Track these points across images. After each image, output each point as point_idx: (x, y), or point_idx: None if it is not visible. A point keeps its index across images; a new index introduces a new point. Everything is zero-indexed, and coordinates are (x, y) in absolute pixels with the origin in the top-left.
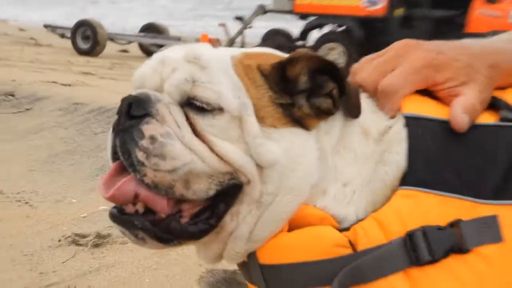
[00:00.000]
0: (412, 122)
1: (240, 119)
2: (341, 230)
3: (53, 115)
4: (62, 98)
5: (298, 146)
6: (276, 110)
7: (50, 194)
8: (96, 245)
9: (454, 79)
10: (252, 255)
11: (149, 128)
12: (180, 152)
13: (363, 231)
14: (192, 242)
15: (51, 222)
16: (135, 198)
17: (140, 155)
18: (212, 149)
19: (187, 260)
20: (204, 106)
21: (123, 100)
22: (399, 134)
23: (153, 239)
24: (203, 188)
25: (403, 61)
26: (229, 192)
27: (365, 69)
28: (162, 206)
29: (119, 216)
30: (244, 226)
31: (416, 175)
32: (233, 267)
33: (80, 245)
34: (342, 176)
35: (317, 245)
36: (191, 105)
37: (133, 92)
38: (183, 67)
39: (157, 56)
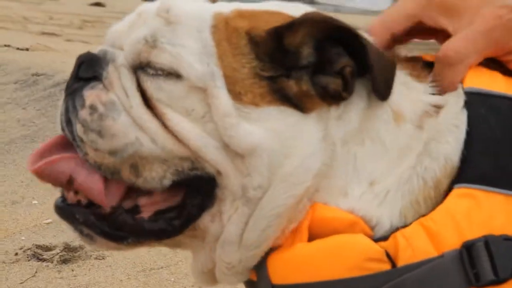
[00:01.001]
0: (474, 100)
1: (205, 91)
2: (376, 240)
3: (7, 90)
4: (18, 67)
5: (289, 127)
6: (259, 84)
7: (3, 193)
8: (64, 261)
9: None
10: (262, 273)
11: (91, 94)
12: (122, 128)
13: (406, 240)
14: (157, 243)
15: (5, 230)
16: (69, 183)
17: (79, 128)
18: (165, 126)
19: (184, 281)
20: (159, 72)
21: (77, 58)
22: (454, 116)
23: (100, 236)
24: (155, 176)
25: (472, 13)
26: (200, 187)
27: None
28: (98, 195)
29: (63, 206)
30: (231, 227)
31: (475, 169)
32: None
33: (44, 260)
34: (367, 172)
35: (346, 258)
36: (144, 70)
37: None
38: (150, 22)
39: (138, 8)
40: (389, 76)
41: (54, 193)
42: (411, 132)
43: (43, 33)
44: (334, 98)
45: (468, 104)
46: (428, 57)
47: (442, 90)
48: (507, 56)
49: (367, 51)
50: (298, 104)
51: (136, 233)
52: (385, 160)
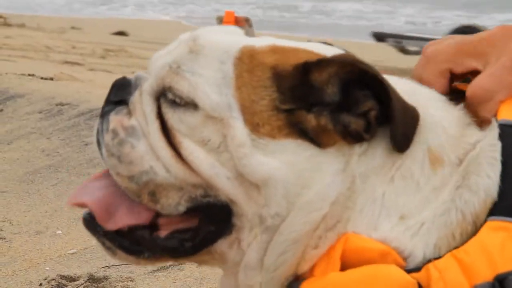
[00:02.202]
0: (508, 132)
1: (221, 121)
2: (408, 271)
3: (31, 119)
4: (42, 97)
5: (306, 159)
6: (277, 116)
7: (27, 223)
8: None
9: None
10: None
11: (115, 118)
12: (139, 156)
13: (438, 272)
14: (174, 260)
15: (29, 260)
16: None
17: (104, 152)
18: (179, 154)
19: None
20: (177, 99)
21: (113, 82)
22: (491, 149)
23: (119, 249)
24: (171, 203)
25: (500, 49)
26: (215, 214)
27: (441, 43)
28: (100, 219)
29: (89, 219)
30: (252, 253)
31: (509, 201)
32: None
33: None
34: (398, 207)
35: None
36: (166, 95)
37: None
38: (178, 49)
39: (180, 36)
40: (410, 129)
41: (78, 223)
42: (448, 173)
43: (66, 62)
44: (355, 137)
45: (501, 137)
46: (462, 86)
47: (476, 126)
48: None
49: (391, 99)
50: (315, 138)
51: (152, 249)
52: (418, 197)
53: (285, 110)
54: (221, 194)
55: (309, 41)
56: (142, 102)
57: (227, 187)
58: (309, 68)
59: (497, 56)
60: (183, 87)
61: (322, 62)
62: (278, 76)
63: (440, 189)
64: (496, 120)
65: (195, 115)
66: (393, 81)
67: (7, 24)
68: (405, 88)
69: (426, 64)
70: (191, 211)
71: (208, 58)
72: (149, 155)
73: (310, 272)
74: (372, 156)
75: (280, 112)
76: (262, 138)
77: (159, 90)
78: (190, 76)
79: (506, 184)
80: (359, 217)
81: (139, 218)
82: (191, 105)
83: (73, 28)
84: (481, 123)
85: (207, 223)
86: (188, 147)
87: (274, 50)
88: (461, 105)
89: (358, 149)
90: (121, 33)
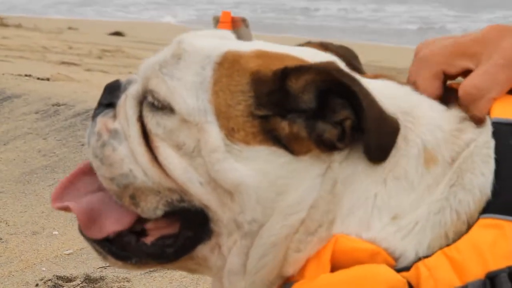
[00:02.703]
0: (501, 129)
1: (196, 126)
2: (398, 270)
3: (28, 120)
4: (39, 97)
5: (279, 167)
6: (251, 123)
7: (24, 224)
8: None
9: None
10: None
11: (101, 121)
12: (119, 159)
13: (428, 271)
14: (160, 266)
15: (26, 260)
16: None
17: (90, 153)
18: (157, 158)
19: None
20: (155, 102)
21: (106, 84)
22: (485, 148)
23: (109, 255)
24: (150, 207)
25: (492, 48)
26: (191, 219)
27: (434, 44)
28: (82, 225)
29: None
30: (233, 259)
31: (503, 199)
32: None
33: None
34: (390, 208)
35: None
36: (146, 99)
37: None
38: (164, 52)
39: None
40: (386, 141)
41: (74, 224)
42: (442, 171)
43: (63, 63)
44: (328, 146)
45: (495, 134)
46: (455, 85)
47: (470, 124)
48: None
49: (363, 110)
50: (288, 146)
51: (138, 255)
52: (412, 196)
53: (261, 116)
54: (195, 200)
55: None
56: (126, 105)
57: (200, 192)
58: (287, 74)
59: (489, 55)
60: (161, 90)
61: (300, 69)
62: (257, 82)
63: (433, 186)
64: (490, 118)
65: (172, 119)
66: (385, 85)
67: (4, 25)
68: (398, 93)
69: (419, 67)
70: (171, 216)
71: (188, 63)
72: (129, 158)
73: (300, 274)
74: (357, 161)
75: (256, 118)
76: (236, 144)
77: (143, 93)
78: (169, 80)
79: (499, 182)
80: (348, 218)
81: (122, 223)
82: (168, 109)
83: (70, 28)
84: (474, 121)
85: (186, 229)
86: (164, 151)
87: (259, 55)
88: (453, 104)
89: (338, 156)
90: (117, 34)
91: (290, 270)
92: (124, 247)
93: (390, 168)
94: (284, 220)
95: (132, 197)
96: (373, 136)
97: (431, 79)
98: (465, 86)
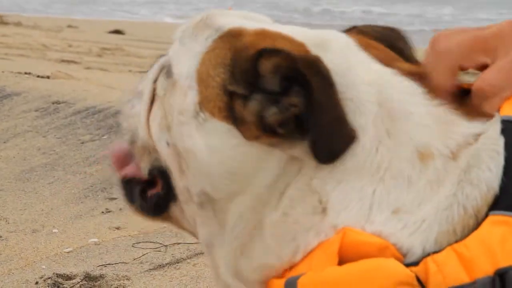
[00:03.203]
0: (510, 127)
1: (181, 89)
2: (407, 265)
3: (27, 118)
4: (39, 95)
5: (232, 148)
6: (221, 97)
7: (24, 221)
8: None
9: None
10: None
11: (140, 83)
12: (132, 116)
13: (436, 266)
14: (147, 218)
15: (25, 258)
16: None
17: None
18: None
19: None
20: (165, 65)
21: None
22: (494, 142)
23: (123, 191)
24: (143, 165)
25: (507, 46)
26: (166, 180)
27: (451, 39)
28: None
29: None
30: (200, 230)
31: (510, 196)
32: None
33: None
34: (389, 202)
35: (376, 282)
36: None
37: None
38: (193, 19)
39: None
40: (335, 149)
41: (74, 222)
42: (442, 166)
43: (63, 61)
44: (268, 130)
45: (504, 131)
46: (466, 86)
47: (479, 120)
48: None
49: (315, 107)
50: (239, 127)
51: (136, 202)
52: (412, 191)
53: (231, 92)
54: (162, 160)
55: None
56: (153, 68)
57: (165, 152)
58: (261, 54)
59: (507, 51)
60: (171, 53)
61: (272, 52)
62: (238, 58)
63: (438, 182)
64: (499, 115)
65: (168, 81)
66: (379, 72)
67: (3, 23)
68: (379, 81)
69: (437, 61)
70: (157, 175)
71: (201, 33)
72: (139, 117)
73: (307, 266)
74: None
75: (226, 93)
76: (204, 113)
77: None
78: (179, 44)
79: (509, 178)
80: (345, 211)
81: (131, 171)
82: (169, 71)
83: (69, 26)
84: (484, 117)
85: (162, 189)
86: (154, 111)
87: (257, 33)
88: (440, 99)
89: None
90: (117, 32)
91: (285, 258)
92: (131, 192)
93: (385, 168)
94: (235, 199)
95: (138, 153)
96: (321, 137)
97: (448, 73)
98: (479, 82)
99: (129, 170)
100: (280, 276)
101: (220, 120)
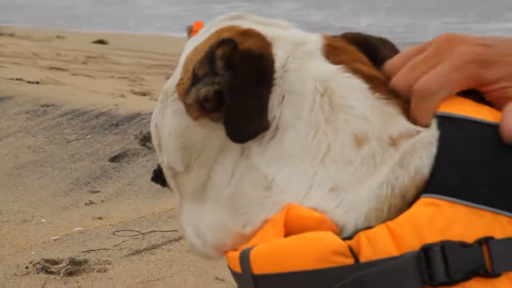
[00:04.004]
0: (446, 122)
1: (175, 73)
2: (343, 239)
3: (19, 119)
4: (29, 99)
5: (184, 128)
6: (190, 79)
7: (15, 213)
8: (70, 273)
9: (505, 78)
10: (245, 265)
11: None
12: (155, 111)
13: (368, 240)
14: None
15: (16, 245)
16: None
17: None
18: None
19: None
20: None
21: None
22: (428, 137)
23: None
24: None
25: (445, 57)
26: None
27: (402, 70)
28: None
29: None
30: (174, 196)
31: (441, 181)
32: None
33: (51, 273)
34: (328, 181)
35: (314, 252)
36: None
37: None
38: (214, 21)
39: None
40: (245, 132)
41: (61, 213)
42: (377, 148)
43: (51, 68)
44: (202, 107)
45: (440, 126)
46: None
47: (417, 119)
48: (483, 87)
49: (229, 89)
50: (185, 108)
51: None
52: (349, 172)
53: (195, 75)
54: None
55: None
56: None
57: (153, 131)
58: (220, 43)
59: (448, 57)
60: (187, 44)
61: (226, 41)
62: (212, 47)
63: (375, 165)
64: (437, 111)
65: (173, 71)
66: (323, 68)
67: None
68: (326, 78)
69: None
70: None
71: (209, 28)
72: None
73: (259, 238)
74: (279, 147)
75: (193, 76)
76: (176, 93)
77: None
78: (188, 39)
79: (439, 167)
80: (289, 189)
81: None
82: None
83: (58, 37)
84: (420, 115)
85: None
86: (159, 98)
87: (241, 30)
88: (384, 95)
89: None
90: (101, 42)
91: (237, 224)
92: (156, 171)
93: (325, 151)
94: (191, 172)
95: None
96: (233, 117)
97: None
98: (417, 85)
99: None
100: (235, 249)
101: (180, 102)
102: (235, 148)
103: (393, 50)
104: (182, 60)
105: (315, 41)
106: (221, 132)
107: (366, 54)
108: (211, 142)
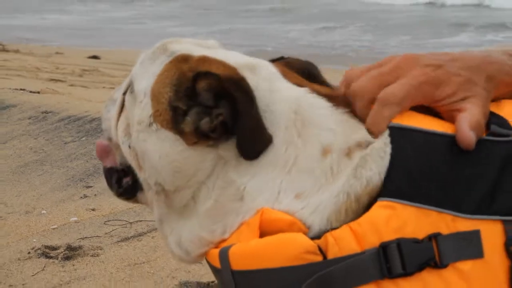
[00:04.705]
0: (397, 133)
1: (140, 103)
2: (311, 239)
3: (22, 124)
4: (31, 106)
5: (177, 152)
6: (168, 111)
7: (19, 205)
8: (67, 258)
9: (454, 95)
10: (224, 262)
11: (114, 91)
12: (107, 118)
13: (334, 239)
14: (125, 200)
15: (20, 234)
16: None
17: None
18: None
19: (161, 273)
20: (131, 80)
21: None
22: (380, 148)
23: (106, 179)
24: (117, 159)
25: (403, 74)
26: (132, 173)
27: (362, 78)
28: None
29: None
30: (156, 211)
31: (394, 186)
32: (207, 279)
33: (50, 257)
34: (293, 189)
35: (287, 251)
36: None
37: None
38: (155, 47)
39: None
40: (257, 148)
41: (59, 205)
42: (337, 159)
43: (51, 80)
44: (204, 136)
45: (392, 137)
46: None
47: (374, 125)
48: (434, 104)
49: (239, 116)
50: (183, 137)
51: (114, 187)
52: (312, 180)
53: (175, 107)
54: (126, 159)
55: None
56: (124, 81)
57: (127, 153)
58: (198, 76)
59: (405, 76)
60: (134, 72)
61: (207, 74)
62: (181, 79)
63: (334, 175)
64: (390, 123)
65: (131, 96)
66: (292, 90)
67: (5, 50)
68: (296, 98)
69: (354, 99)
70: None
71: (158, 56)
72: (110, 120)
73: (236, 238)
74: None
75: (172, 108)
76: (156, 124)
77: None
78: (140, 66)
79: (392, 174)
80: (259, 197)
81: (110, 162)
82: (132, 87)
83: (57, 53)
84: (380, 123)
85: (131, 179)
86: (121, 119)
87: (199, 59)
88: (344, 109)
89: (227, 152)
90: (94, 57)
91: (217, 233)
92: (111, 178)
93: (292, 162)
94: (181, 190)
95: (113, 148)
96: (245, 140)
97: (366, 107)
98: (384, 93)
99: (109, 161)
100: (215, 247)
101: (167, 130)
102: (218, 165)
103: (319, 72)
104: (141, 88)
105: (267, 63)
106: (213, 155)
107: (305, 78)
108: (205, 164)
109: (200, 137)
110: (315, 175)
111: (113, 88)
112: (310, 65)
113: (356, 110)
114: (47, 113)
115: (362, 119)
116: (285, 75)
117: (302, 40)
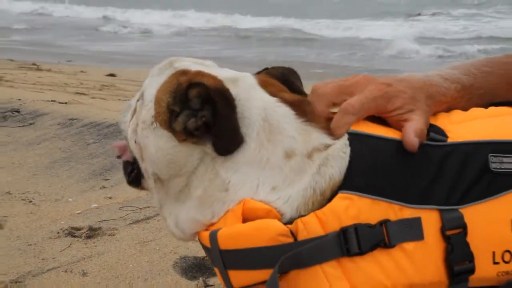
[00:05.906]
0: (354, 138)
1: (146, 106)
2: (284, 224)
3: (53, 129)
4: (60, 114)
5: (170, 147)
6: (166, 113)
7: (50, 194)
8: (88, 237)
9: (402, 108)
10: (213, 243)
11: (132, 99)
12: (124, 121)
13: (303, 224)
14: (137, 188)
15: (51, 217)
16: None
17: None
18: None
19: (165, 249)
20: (142, 90)
21: None
22: (340, 149)
23: (123, 169)
24: (130, 154)
25: (362, 89)
26: (137, 165)
27: (326, 85)
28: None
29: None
30: (155, 196)
31: (352, 182)
32: (202, 254)
33: (75, 236)
34: (269, 183)
35: (265, 233)
36: None
37: None
38: (163, 63)
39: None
40: (230, 147)
41: (83, 194)
42: (301, 161)
43: (76, 93)
44: (190, 134)
45: (350, 141)
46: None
47: (336, 129)
48: (385, 114)
49: (217, 119)
50: (175, 135)
51: (125, 177)
52: (282, 176)
53: (172, 110)
54: (132, 152)
55: None
56: (138, 91)
57: (132, 147)
58: (191, 86)
59: (360, 91)
60: (145, 83)
61: (198, 84)
62: (179, 87)
63: (301, 173)
64: (348, 130)
65: (141, 102)
66: (263, 99)
67: (39, 69)
68: (266, 107)
69: (318, 100)
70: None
71: (164, 72)
72: (126, 123)
73: (223, 223)
74: (236, 160)
75: (169, 111)
76: (156, 123)
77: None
78: (150, 78)
79: (350, 171)
80: (241, 190)
81: (126, 157)
82: (142, 95)
83: (81, 72)
84: (341, 128)
85: (136, 169)
86: (133, 120)
87: (195, 73)
88: (304, 118)
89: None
90: (112, 75)
91: (207, 217)
92: (126, 171)
93: (265, 161)
94: (174, 179)
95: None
96: (219, 137)
97: (326, 107)
98: (346, 103)
99: (126, 157)
100: (206, 229)
101: (164, 129)
102: (207, 160)
103: (299, 79)
104: (148, 94)
105: (249, 76)
106: (199, 151)
107: (283, 84)
108: (192, 158)
109: (188, 135)
110: (284, 172)
111: (127, 99)
112: (288, 71)
113: (317, 110)
114: (73, 120)
115: (322, 117)
116: (264, 85)
117: None
